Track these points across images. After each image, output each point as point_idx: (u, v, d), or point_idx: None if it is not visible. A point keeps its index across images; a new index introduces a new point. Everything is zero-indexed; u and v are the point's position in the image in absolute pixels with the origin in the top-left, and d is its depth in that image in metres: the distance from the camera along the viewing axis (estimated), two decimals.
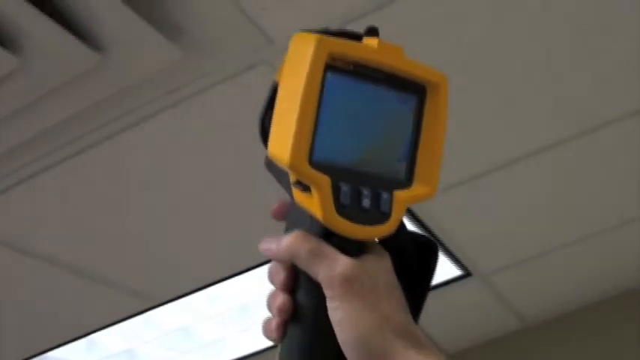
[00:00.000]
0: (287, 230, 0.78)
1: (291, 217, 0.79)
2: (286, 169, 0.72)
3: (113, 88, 1.72)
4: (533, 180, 2.53)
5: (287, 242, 0.75)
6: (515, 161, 2.39)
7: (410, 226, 0.81)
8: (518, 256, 3.08)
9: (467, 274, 3.13)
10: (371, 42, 0.74)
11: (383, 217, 0.75)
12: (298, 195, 0.74)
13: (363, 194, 0.73)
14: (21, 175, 1.95)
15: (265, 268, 0.81)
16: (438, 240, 2.77)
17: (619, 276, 3.34)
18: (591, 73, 2.04)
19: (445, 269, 3.07)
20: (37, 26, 1.50)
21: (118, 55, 1.64)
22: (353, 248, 0.74)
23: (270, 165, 0.77)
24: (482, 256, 3.01)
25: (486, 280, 3.22)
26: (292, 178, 0.73)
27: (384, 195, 0.75)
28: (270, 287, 0.79)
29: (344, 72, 0.73)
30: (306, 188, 0.72)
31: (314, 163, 0.71)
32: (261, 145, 0.77)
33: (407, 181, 0.77)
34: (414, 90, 0.77)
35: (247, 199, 2.14)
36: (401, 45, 0.75)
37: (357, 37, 0.75)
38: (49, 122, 1.77)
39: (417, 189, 0.77)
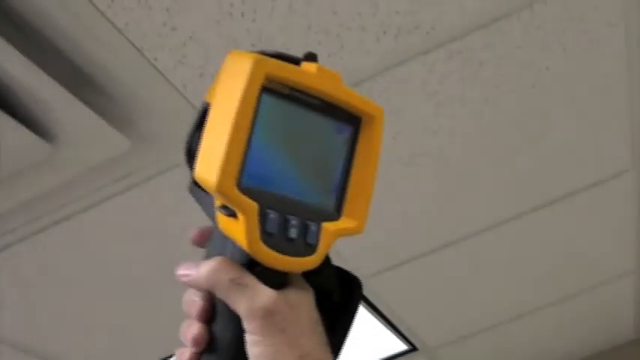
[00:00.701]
0: (207, 258, 0.74)
1: (213, 244, 0.75)
2: (212, 192, 0.68)
3: (64, 177, 1.75)
4: (477, 257, 2.60)
5: (207, 269, 0.71)
6: (462, 239, 2.46)
7: (334, 260, 0.78)
8: (464, 331, 3.14)
9: (413, 348, 3.18)
10: (310, 67, 0.72)
11: (309, 249, 0.71)
12: (222, 220, 0.70)
13: (291, 223, 0.70)
14: None
15: None
16: (383, 315, 2.82)
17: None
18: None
19: (392, 344, 3.11)
20: None
21: (69, 146, 1.66)
22: (276, 280, 0.71)
23: (194, 188, 0.74)
24: (428, 331, 3.06)
25: (433, 355, 3.27)
26: (218, 202, 0.69)
27: (312, 226, 0.71)
28: (185, 316, 0.75)
29: (280, 95, 0.70)
30: (231, 213, 0.69)
31: (242, 188, 0.67)
32: None
33: (335, 214, 0.74)
34: (348, 120, 0.75)
35: None
36: (339, 72, 0.73)
37: (295, 61, 0.72)
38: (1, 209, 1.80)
39: (345, 222, 0.74)
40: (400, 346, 3.14)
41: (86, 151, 1.70)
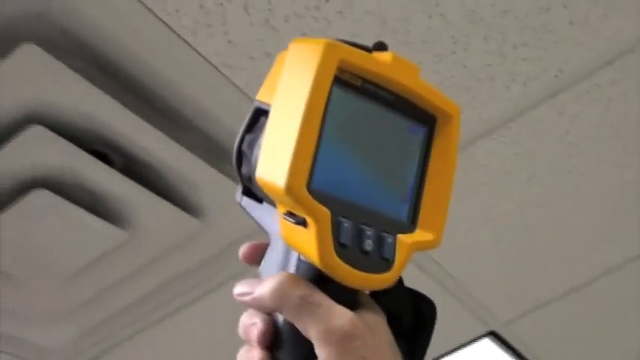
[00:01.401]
0: (264, 276, 0.63)
1: (271, 259, 0.64)
2: (278, 196, 0.59)
3: (214, 249, 1.83)
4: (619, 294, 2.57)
5: (273, 285, 0.60)
6: (602, 274, 2.44)
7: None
8: None
9: None
10: (385, 56, 0.63)
11: (385, 264, 0.61)
12: (287, 230, 0.60)
13: (366, 234, 0.60)
14: (127, 332, 2.04)
15: None
16: (523, 357, 2.80)
17: None
18: None
19: None
20: (143, 201, 1.62)
21: (217, 218, 1.75)
22: (348, 299, 0.61)
23: (244, 197, 0.66)
24: None
25: None
26: (282, 209, 0.60)
27: (388, 238, 0.62)
28: (244, 342, 0.64)
29: (352, 87, 0.62)
30: (299, 221, 0.58)
31: (313, 192, 0.58)
32: None
33: (410, 225, 0.65)
34: (424, 119, 0.66)
35: None
36: (418, 64, 0.65)
37: (364, 49, 0.63)
38: (153, 285, 1.88)
39: (421, 235, 0.65)
40: None
41: (233, 222, 1.77)
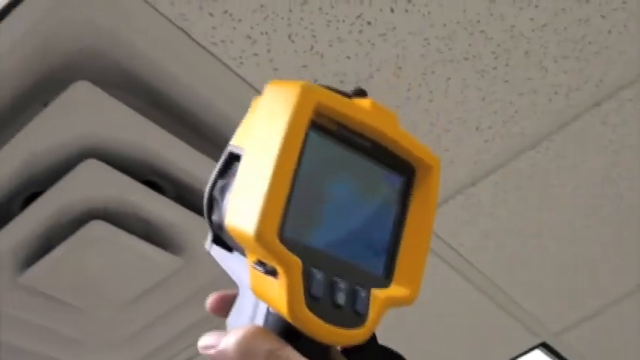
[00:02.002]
0: (231, 328, 0.59)
1: (239, 310, 0.61)
2: (248, 244, 0.55)
3: None
4: None
5: (239, 338, 0.55)
6: None
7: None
8: None
9: None
10: (363, 102, 0.60)
11: (358, 319, 0.58)
12: (256, 280, 0.56)
13: (339, 287, 0.57)
14: (185, 356, 2.08)
15: None
16: None
17: None
18: None
19: None
20: (196, 227, 1.66)
21: None
22: (318, 355, 0.58)
23: (214, 245, 0.63)
24: None
25: None
26: (252, 258, 0.56)
27: (362, 292, 0.58)
28: None
29: (328, 133, 0.59)
30: (269, 271, 0.55)
31: (284, 241, 0.54)
32: None
33: (385, 279, 0.62)
34: (402, 168, 0.63)
35: None
36: (394, 111, 0.62)
37: (344, 95, 0.60)
38: (206, 311, 1.91)
39: (396, 290, 0.61)
40: None
41: None
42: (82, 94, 1.38)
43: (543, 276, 2.23)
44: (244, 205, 0.54)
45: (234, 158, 0.60)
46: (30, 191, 1.54)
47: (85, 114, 1.43)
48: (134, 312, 1.83)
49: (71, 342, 1.90)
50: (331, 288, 0.56)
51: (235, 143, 0.61)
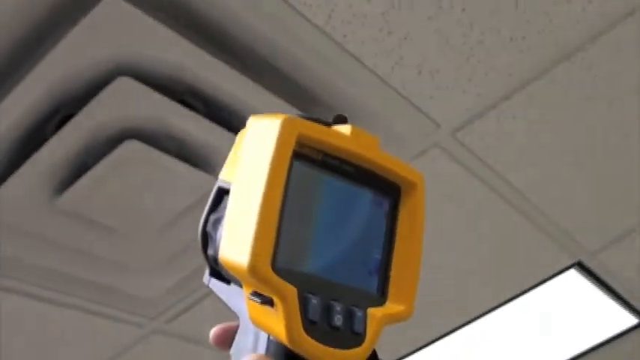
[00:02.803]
0: (236, 359, 0.63)
1: (241, 341, 0.63)
2: (243, 276, 0.57)
3: None
4: None
5: None
6: None
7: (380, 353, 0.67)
8: None
9: None
10: (343, 129, 0.62)
11: (357, 338, 0.60)
12: (254, 310, 0.59)
13: (335, 309, 0.59)
14: None
15: None
16: (611, 289, 2.79)
17: None
18: None
19: (620, 319, 3.06)
20: (229, 145, 1.64)
21: None
22: None
23: (211, 279, 0.65)
24: None
25: None
26: (248, 289, 0.59)
27: (358, 312, 0.61)
28: None
29: (312, 162, 0.60)
30: (265, 301, 0.57)
31: (277, 270, 0.56)
32: None
33: (380, 298, 0.64)
34: (386, 190, 0.65)
35: None
36: (376, 135, 0.64)
37: (325, 124, 0.62)
38: None
39: (392, 307, 0.64)
40: (630, 320, 3.08)
41: None
42: (113, 8, 1.37)
43: (579, 193, 2.21)
44: (236, 239, 0.57)
45: (224, 192, 0.62)
46: (63, 113, 1.54)
47: (117, 31, 1.42)
48: (172, 234, 1.84)
49: (111, 266, 1.92)
50: (328, 311, 0.58)
51: (224, 178, 0.63)
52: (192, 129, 1.59)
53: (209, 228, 0.63)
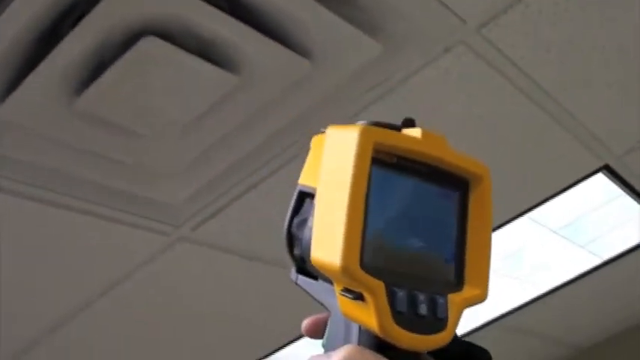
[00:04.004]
0: (327, 349, 0.69)
1: (333, 332, 0.70)
2: (334, 275, 0.64)
3: (324, 92, 1.83)
4: None
5: (342, 358, 0.63)
6: None
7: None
8: None
9: None
10: (414, 132, 0.68)
11: (440, 324, 0.66)
12: (346, 305, 0.65)
13: (419, 299, 0.65)
14: (247, 183, 2.08)
15: None
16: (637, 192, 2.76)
17: None
18: None
19: None
20: (252, 43, 1.62)
21: (325, 59, 1.74)
22: None
23: (299, 276, 0.71)
24: None
25: None
26: (339, 286, 0.65)
27: (440, 299, 0.67)
28: None
29: (388, 165, 0.67)
30: (356, 297, 0.64)
31: (365, 268, 0.63)
32: None
33: (458, 284, 0.71)
34: (457, 183, 0.72)
35: None
36: (442, 134, 0.70)
37: (395, 128, 0.69)
38: (272, 130, 1.90)
39: (469, 292, 0.70)
40: None
41: (341, 62, 1.76)
42: None
43: (607, 94, 2.16)
44: (326, 241, 0.63)
45: (305, 196, 0.69)
46: (80, 11, 1.50)
47: None
48: (193, 136, 1.82)
49: (132, 171, 1.90)
50: (413, 301, 0.65)
51: (305, 183, 0.70)
52: (214, 26, 1.54)
53: (294, 230, 0.69)
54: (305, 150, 0.71)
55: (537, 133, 2.24)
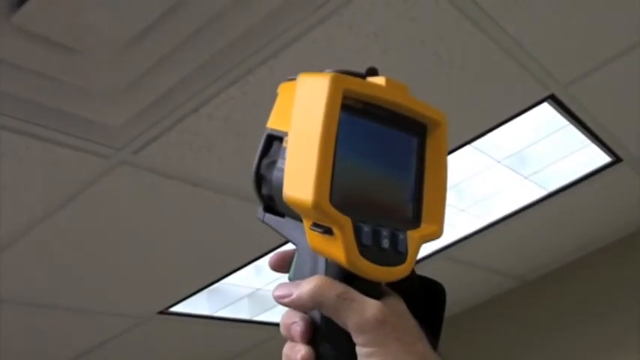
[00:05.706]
0: (295, 280, 0.75)
1: (300, 265, 0.76)
2: (306, 211, 0.70)
3: (263, 13, 1.78)
4: None
5: (311, 287, 0.71)
6: None
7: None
8: None
9: (617, 160, 3.12)
10: (378, 80, 0.74)
11: (400, 257, 0.73)
12: (314, 239, 0.71)
13: (382, 234, 0.72)
14: (189, 107, 2.04)
15: None
16: (586, 126, 2.78)
17: None
18: None
19: (594, 157, 3.07)
20: None
21: None
22: (374, 292, 0.72)
23: (266, 214, 0.77)
24: (633, 140, 2.99)
25: (637, 166, 3.20)
26: (309, 222, 0.71)
27: (400, 235, 0.74)
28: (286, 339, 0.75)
29: (355, 110, 0.72)
30: (325, 231, 0.70)
31: (334, 204, 0.69)
32: None
33: (416, 221, 0.77)
34: (416, 128, 0.78)
35: None
36: (405, 83, 0.76)
37: (360, 76, 0.75)
38: (213, 51, 1.85)
39: (426, 229, 0.77)
40: (603, 159, 3.10)
41: None
42: None
43: (552, 21, 2.15)
44: (299, 179, 0.69)
45: (273, 139, 0.75)
46: None
47: None
48: (136, 53, 1.76)
49: (73, 90, 1.85)
50: (376, 236, 0.71)
51: (274, 127, 0.76)
52: None
53: (263, 171, 0.76)
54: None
55: (482, 61, 2.22)
